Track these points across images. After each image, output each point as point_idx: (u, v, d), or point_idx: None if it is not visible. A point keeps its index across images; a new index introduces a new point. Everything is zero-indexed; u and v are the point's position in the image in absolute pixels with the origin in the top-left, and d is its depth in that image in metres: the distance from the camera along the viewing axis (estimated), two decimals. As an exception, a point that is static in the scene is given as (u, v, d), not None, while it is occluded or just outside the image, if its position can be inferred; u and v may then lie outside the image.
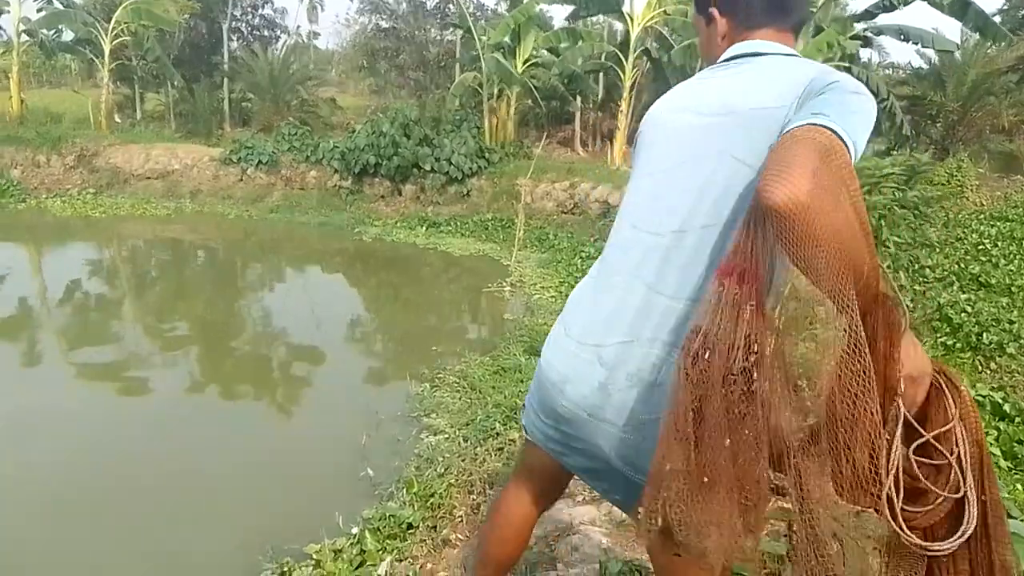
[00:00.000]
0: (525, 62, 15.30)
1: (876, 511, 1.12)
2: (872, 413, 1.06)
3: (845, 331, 1.06)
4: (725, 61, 1.44)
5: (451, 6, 22.76)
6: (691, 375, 1.17)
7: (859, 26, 13.09)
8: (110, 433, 5.10)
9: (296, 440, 5.15)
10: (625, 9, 14.79)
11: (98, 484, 4.40)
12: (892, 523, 1.10)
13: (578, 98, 17.48)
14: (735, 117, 1.31)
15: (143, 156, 14.13)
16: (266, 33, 23.08)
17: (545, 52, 17.17)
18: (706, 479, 1.15)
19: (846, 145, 1.09)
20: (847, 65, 12.57)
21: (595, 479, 1.65)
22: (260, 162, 13.53)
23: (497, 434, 4.67)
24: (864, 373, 1.06)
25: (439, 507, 3.87)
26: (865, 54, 16.34)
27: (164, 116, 19.12)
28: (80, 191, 13.41)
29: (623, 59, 14.57)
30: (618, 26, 18.18)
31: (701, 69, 1.56)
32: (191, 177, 13.83)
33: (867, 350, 1.06)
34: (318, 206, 12.91)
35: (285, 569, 3.55)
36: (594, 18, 18.36)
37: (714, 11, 1.47)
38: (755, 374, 1.14)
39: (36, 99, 16.89)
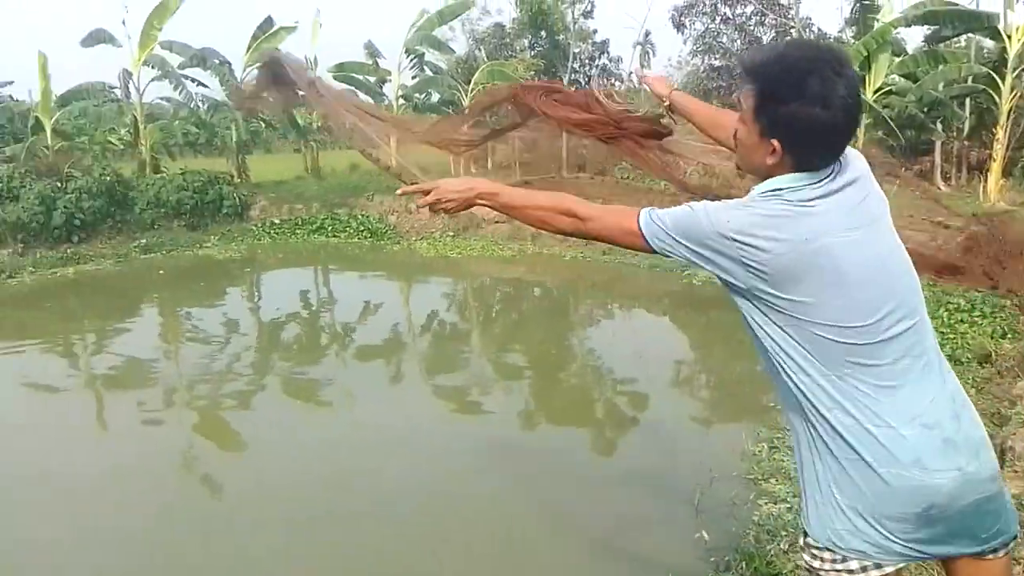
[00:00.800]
0: (876, 91, 14.03)
1: None
2: None
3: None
4: (824, 181, 1.57)
5: (789, 38, 21.81)
6: None
7: None
8: (447, 453, 5.56)
9: (627, 484, 5.12)
10: (1000, 25, 12.83)
11: (433, 498, 4.82)
12: None
13: (940, 126, 15.54)
14: (879, 222, 1.61)
15: (493, 202, 15.57)
16: (603, 82, 24.24)
17: (899, 78, 15.60)
18: None
19: None
20: None
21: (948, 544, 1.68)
22: (594, 205, 14.12)
23: (849, 512, 4.19)
24: None
25: (784, 589, 3.57)
26: None
27: (510, 165, 20.94)
28: (442, 234, 15.21)
29: (998, 81, 12.61)
30: (988, 43, 15.83)
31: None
32: (532, 220, 14.89)
33: None
34: (648, 248, 13.05)
35: (620, 628, 3.52)
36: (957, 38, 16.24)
37: (775, 143, 1.54)
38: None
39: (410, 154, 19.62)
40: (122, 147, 18.25)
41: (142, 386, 7.31)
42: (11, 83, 24.89)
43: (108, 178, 14.62)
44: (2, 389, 7.33)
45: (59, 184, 14.09)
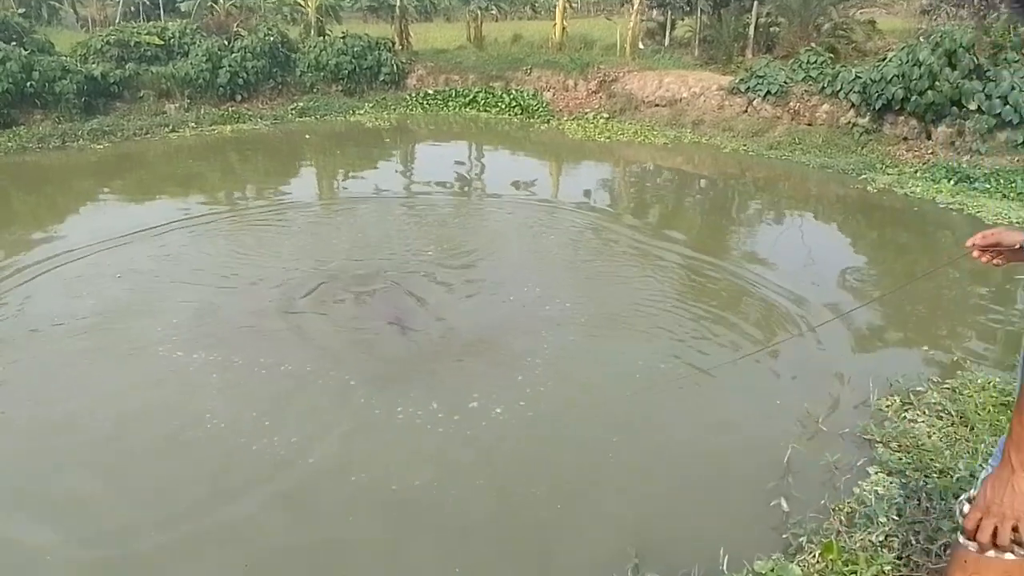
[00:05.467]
0: None
1: None
2: None
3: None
4: None
5: None
6: None
7: None
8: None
9: (709, 424, 4.33)
10: None
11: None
12: None
13: None
14: None
15: (656, 83, 14.25)
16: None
17: None
18: None
19: None
20: None
21: None
22: (768, 92, 12.47)
23: (980, 507, 3.23)
24: None
25: (857, 598, 2.78)
26: None
27: (690, 42, 19.06)
28: (595, 115, 14.18)
29: None
30: None
31: None
32: (696, 106, 13.48)
33: None
34: (823, 145, 11.40)
35: (641, 601, 2.93)
36: None
37: None
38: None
39: (575, 27, 18.32)
40: (290, 6, 18.38)
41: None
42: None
43: (272, 38, 14.77)
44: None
45: (226, 42, 14.42)
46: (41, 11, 25.14)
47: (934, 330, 5.72)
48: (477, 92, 15.62)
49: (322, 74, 15.33)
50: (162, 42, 14.02)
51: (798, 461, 3.86)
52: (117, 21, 21.79)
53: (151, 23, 14.91)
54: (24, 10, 19.75)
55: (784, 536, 3.30)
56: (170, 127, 12.84)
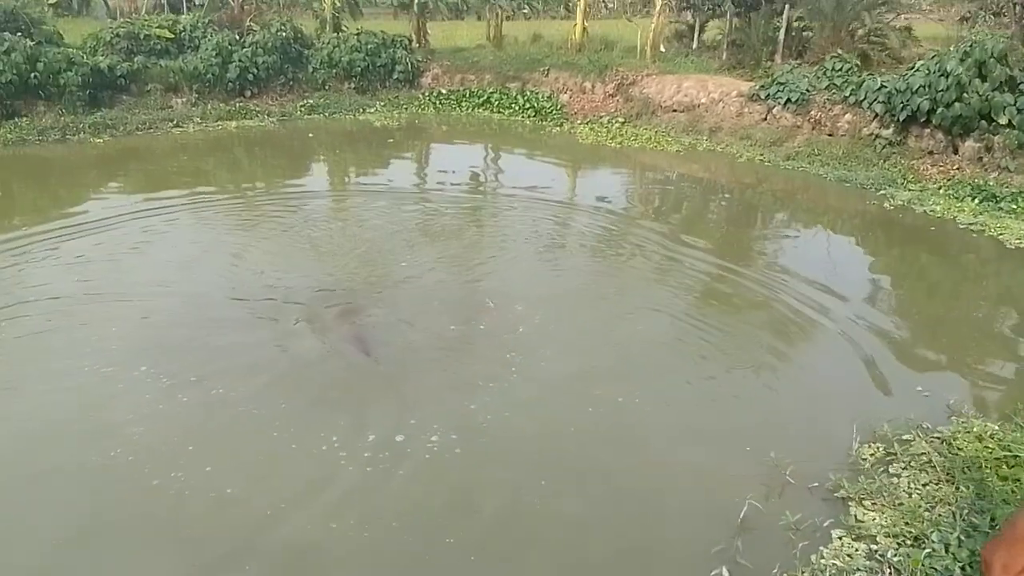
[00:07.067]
0: None
1: None
2: None
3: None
4: None
5: None
6: None
7: None
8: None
9: (660, 473, 3.88)
10: None
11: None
12: None
13: None
14: None
15: (674, 87, 13.74)
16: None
17: None
18: None
19: None
20: None
21: None
22: (789, 100, 11.90)
23: (953, 591, 2.80)
24: None
25: None
26: None
27: (719, 46, 18.48)
28: (611, 119, 13.71)
29: None
30: None
31: None
32: (715, 112, 12.96)
33: None
34: (843, 157, 10.80)
35: None
36: None
37: None
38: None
39: (597, 28, 17.86)
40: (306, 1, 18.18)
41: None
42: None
43: (284, 34, 14.56)
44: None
45: (238, 37, 14.24)
46: (72, 2, 25.40)
47: (933, 367, 5.21)
48: (491, 93, 15.25)
49: (334, 71, 15.07)
50: (173, 35, 13.88)
51: (755, 520, 3.43)
52: (143, 14, 21.89)
53: (163, 16, 14.76)
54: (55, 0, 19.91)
55: (721, 616, 2.89)
56: (174, 122, 12.66)
